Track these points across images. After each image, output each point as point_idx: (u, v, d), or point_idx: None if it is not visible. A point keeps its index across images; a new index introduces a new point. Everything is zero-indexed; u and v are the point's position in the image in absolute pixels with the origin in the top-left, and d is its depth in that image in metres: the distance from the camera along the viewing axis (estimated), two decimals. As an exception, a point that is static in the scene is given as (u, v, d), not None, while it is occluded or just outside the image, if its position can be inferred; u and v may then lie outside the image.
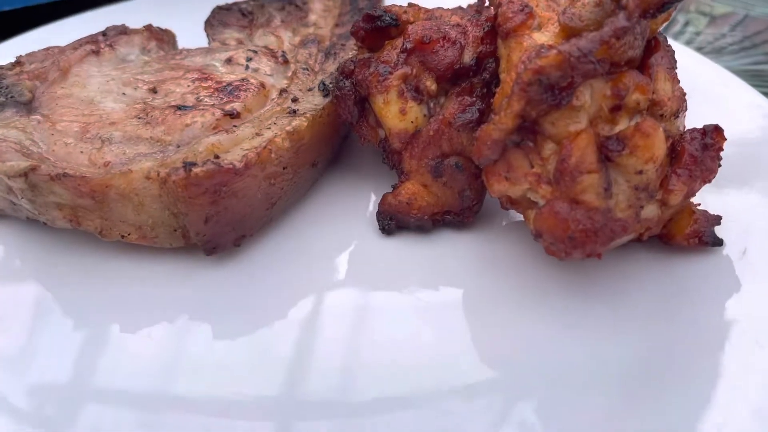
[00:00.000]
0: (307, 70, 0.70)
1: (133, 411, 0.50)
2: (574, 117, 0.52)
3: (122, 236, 0.59)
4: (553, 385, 0.52)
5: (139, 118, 0.61)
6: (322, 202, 0.67)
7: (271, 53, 0.70)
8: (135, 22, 0.76)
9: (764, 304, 0.55)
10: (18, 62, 0.67)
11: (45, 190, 0.57)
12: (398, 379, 0.52)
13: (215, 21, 0.76)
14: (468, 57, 0.61)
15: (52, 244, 0.63)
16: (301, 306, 0.58)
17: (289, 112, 0.62)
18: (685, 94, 0.59)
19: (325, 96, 0.65)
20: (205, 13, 0.79)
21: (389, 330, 0.56)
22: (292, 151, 0.61)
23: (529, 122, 0.52)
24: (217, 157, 0.57)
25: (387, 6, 0.64)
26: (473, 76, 0.62)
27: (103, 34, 0.71)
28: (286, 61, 0.70)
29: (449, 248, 0.63)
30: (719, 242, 0.59)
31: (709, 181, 0.57)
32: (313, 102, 0.65)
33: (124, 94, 0.65)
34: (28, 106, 0.63)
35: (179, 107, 0.62)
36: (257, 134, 0.60)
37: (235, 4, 0.78)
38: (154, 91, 0.65)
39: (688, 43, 0.98)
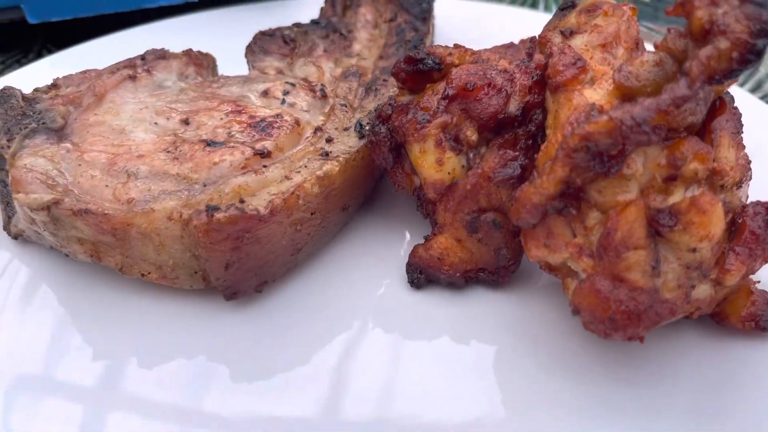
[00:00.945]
0: (346, 106, 0.67)
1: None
2: (624, 186, 0.48)
3: (142, 275, 0.58)
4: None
5: (168, 151, 0.60)
6: (351, 248, 0.64)
7: (310, 87, 0.67)
8: (179, 41, 0.74)
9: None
10: (54, 85, 0.66)
11: (67, 225, 0.56)
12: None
13: (256, 48, 0.74)
14: (513, 107, 0.57)
15: (76, 273, 0.61)
16: (322, 356, 0.55)
17: (322, 155, 0.60)
18: (749, 162, 0.54)
19: (361, 138, 0.62)
20: (252, 33, 0.77)
21: (414, 385, 0.53)
22: (322, 197, 0.58)
23: (574, 188, 0.48)
24: (242, 201, 0.54)
25: (431, 47, 0.60)
26: (518, 127, 0.58)
27: (142, 57, 0.70)
28: (324, 96, 0.67)
29: (481, 306, 0.59)
30: (779, 328, 0.54)
31: (770, 261, 0.52)
32: (347, 144, 0.62)
33: (156, 123, 0.63)
34: (59, 133, 0.62)
35: (209, 143, 0.59)
36: (286, 177, 0.57)
37: (279, 29, 0.76)
38: (186, 122, 0.63)
39: (758, 86, 0.92)
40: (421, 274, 0.60)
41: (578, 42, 0.54)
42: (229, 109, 0.64)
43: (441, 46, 0.61)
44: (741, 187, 0.53)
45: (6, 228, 0.63)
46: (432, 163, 0.57)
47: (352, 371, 0.54)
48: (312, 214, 0.58)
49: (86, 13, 0.94)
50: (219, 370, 0.55)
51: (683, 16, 0.47)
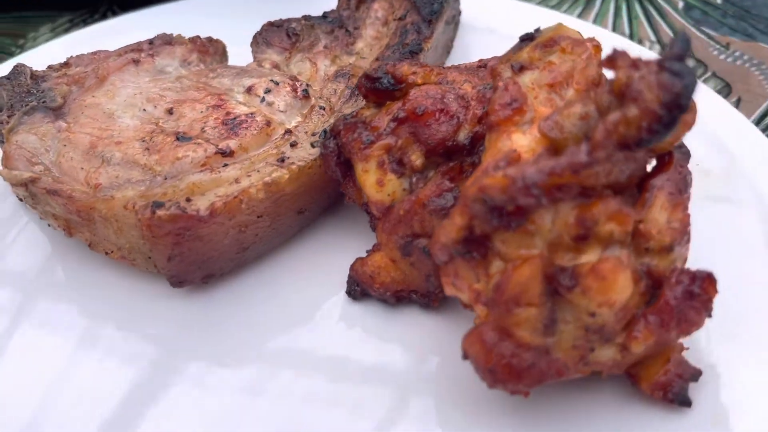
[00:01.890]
0: (324, 109, 0.68)
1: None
2: (527, 241, 0.47)
3: (106, 252, 0.63)
4: None
5: (144, 141, 0.64)
6: (306, 250, 0.66)
7: (293, 86, 0.69)
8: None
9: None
10: (67, 63, 0.72)
11: (42, 201, 0.62)
12: None
13: (260, 39, 0.76)
14: (463, 135, 0.57)
15: (53, 248, 0.68)
16: (251, 353, 0.59)
17: (279, 160, 0.62)
18: (687, 226, 0.51)
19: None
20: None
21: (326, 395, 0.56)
22: (269, 202, 0.60)
23: (479, 235, 0.48)
24: (188, 199, 0.58)
25: (397, 65, 0.60)
26: (467, 155, 0.57)
27: (150, 42, 0.74)
28: (306, 96, 0.69)
29: (412, 325, 0.60)
30: (687, 402, 0.51)
31: (689, 334, 0.49)
32: (308, 150, 0.63)
33: (144, 110, 0.68)
34: (57, 112, 0.67)
35: (179, 137, 0.63)
36: (236, 181, 0.60)
37: (288, 20, 0.77)
38: (170, 112, 0.67)
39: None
40: (358, 287, 0.61)
41: (526, 79, 0.53)
42: (212, 103, 0.67)
43: (409, 62, 0.61)
44: (672, 250, 0.50)
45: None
46: (373, 183, 0.58)
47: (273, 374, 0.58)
48: (259, 217, 0.61)
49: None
50: (148, 350, 0.60)
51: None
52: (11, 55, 1.03)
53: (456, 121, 0.57)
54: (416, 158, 0.57)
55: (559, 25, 0.54)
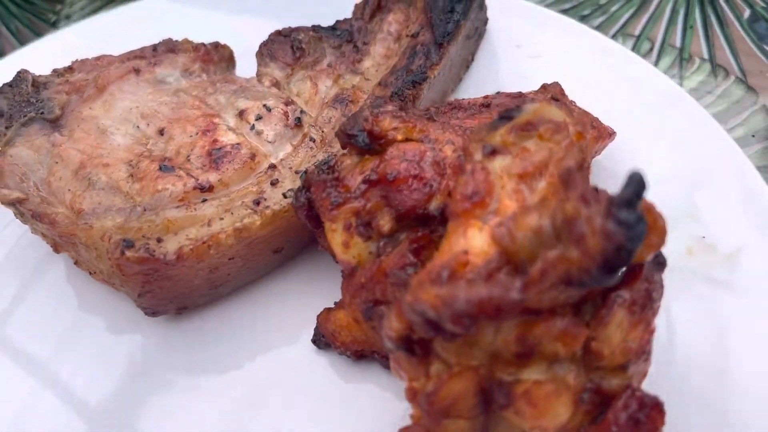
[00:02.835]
0: (314, 141, 0.66)
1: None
2: (467, 350, 0.45)
3: (90, 272, 0.65)
4: None
5: (130, 164, 0.64)
6: (282, 288, 0.66)
7: (285, 113, 0.67)
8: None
9: None
10: (70, 68, 0.72)
11: (30, 220, 0.64)
12: None
13: (265, 50, 0.73)
14: (434, 206, 0.54)
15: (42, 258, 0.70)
16: (218, 387, 0.61)
17: (254, 201, 0.61)
18: (647, 342, 0.47)
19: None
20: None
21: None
22: (241, 245, 0.60)
23: (420, 338, 0.47)
24: (159, 240, 0.58)
25: (380, 115, 0.57)
26: (439, 224, 0.55)
27: (154, 48, 0.73)
28: (299, 125, 0.67)
29: (374, 382, 0.60)
30: None
31: (629, 459, 0.47)
32: (287, 191, 0.62)
33: (138, 127, 0.68)
34: (55, 123, 0.68)
35: (162, 167, 0.63)
36: (208, 223, 0.60)
37: (296, 30, 0.74)
38: (161, 132, 0.67)
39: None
40: (323, 338, 0.61)
41: (497, 165, 0.49)
42: (203, 127, 0.66)
43: (393, 114, 0.57)
44: (627, 369, 0.47)
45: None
46: (339, 243, 0.56)
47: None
48: (230, 259, 0.61)
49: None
50: (117, 373, 0.62)
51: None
52: (47, 22, 1.04)
53: (429, 190, 0.54)
54: (385, 223, 0.55)
55: (542, 106, 0.50)
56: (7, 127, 0.67)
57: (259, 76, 0.73)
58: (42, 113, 0.68)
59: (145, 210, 0.61)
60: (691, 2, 0.94)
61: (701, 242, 0.61)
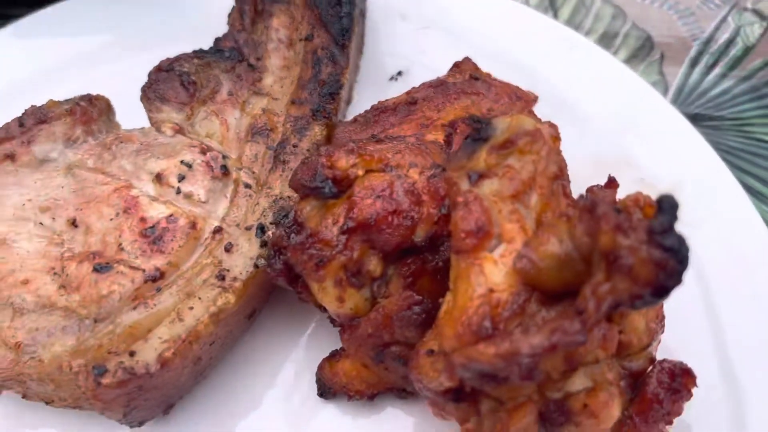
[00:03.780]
0: (251, 187, 0.61)
1: None
2: (519, 387, 0.46)
3: (46, 402, 0.57)
4: None
5: (55, 273, 0.56)
6: (260, 346, 0.62)
7: (207, 164, 0.61)
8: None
9: None
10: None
11: (-43, 371, 0.54)
12: None
13: (152, 94, 0.65)
14: (420, 237, 0.53)
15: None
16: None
17: (218, 276, 0.56)
18: (663, 317, 0.51)
19: (263, 246, 0.58)
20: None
21: None
22: (219, 327, 0.55)
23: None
24: (132, 353, 0.52)
25: (333, 155, 0.53)
26: (425, 251, 0.54)
27: (21, 123, 0.62)
28: (226, 173, 0.61)
29: (390, 418, 0.59)
30: (671, 476, 0.54)
31: (671, 423, 0.51)
32: (248, 254, 0.57)
33: (41, 224, 0.58)
34: (-65, 248, 0.57)
35: (96, 268, 0.55)
36: (178, 317, 0.54)
37: (177, 61, 0.66)
38: (73, 224, 0.58)
39: (729, 69, 0.82)
40: (330, 388, 0.59)
41: (487, 189, 0.48)
42: (121, 206, 0.58)
43: (345, 155, 0.54)
44: (650, 346, 0.50)
45: None
46: (333, 300, 0.53)
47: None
48: (211, 344, 0.56)
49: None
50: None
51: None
52: None
53: (410, 222, 0.52)
54: (374, 267, 0.53)
55: (514, 120, 0.49)
56: None
57: (155, 124, 0.64)
58: None
59: (96, 321, 0.54)
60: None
61: (642, 183, 0.65)
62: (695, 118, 0.75)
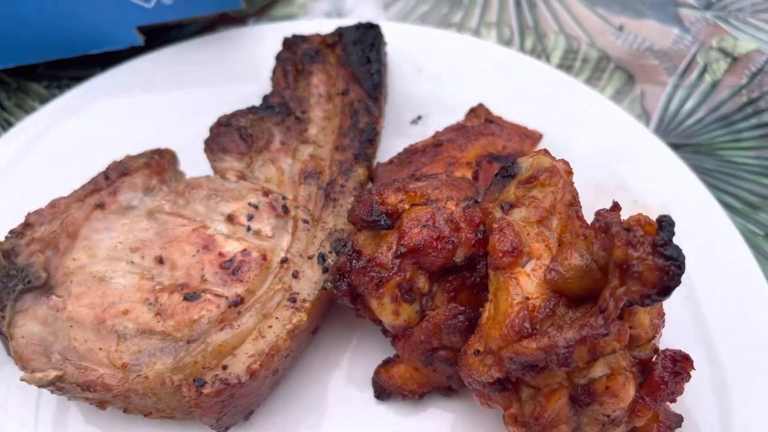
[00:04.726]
0: (308, 222, 0.71)
1: None
2: (551, 374, 0.56)
3: (144, 414, 0.67)
4: None
5: (150, 303, 0.66)
6: (322, 354, 0.73)
7: (271, 205, 0.71)
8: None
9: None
10: (28, 224, 0.69)
11: (72, 391, 0.63)
12: None
13: (215, 146, 0.75)
14: (460, 257, 0.63)
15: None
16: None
17: (290, 299, 0.66)
18: (663, 314, 0.62)
19: (324, 272, 0.68)
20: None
21: None
22: (293, 341, 0.66)
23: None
24: (224, 367, 0.62)
25: (383, 193, 0.64)
26: (464, 269, 0.64)
27: (106, 176, 0.72)
28: (286, 212, 0.71)
29: (441, 415, 0.70)
30: (677, 445, 0.65)
31: (674, 401, 0.62)
32: (312, 278, 0.68)
33: (132, 262, 0.68)
34: (45, 287, 0.66)
35: (186, 297, 0.65)
36: (260, 334, 0.64)
37: (234, 117, 0.77)
38: (160, 261, 0.68)
39: (700, 102, 0.95)
40: (385, 391, 0.69)
41: (517, 216, 0.59)
42: (200, 244, 0.68)
43: (393, 193, 0.65)
44: (654, 338, 0.61)
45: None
46: (389, 313, 0.64)
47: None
48: (286, 357, 0.66)
49: (29, 60, 0.92)
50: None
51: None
52: None
53: (452, 246, 0.63)
54: (423, 285, 0.64)
55: (536, 159, 0.60)
56: (1, 308, 0.65)
57: (220, 172, 0.75)
58: (29, 282, 0.66)
59: (188, 342, 0.64)
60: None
61: (636, 204, 0.77)
62: (676, 146, 0.87)
